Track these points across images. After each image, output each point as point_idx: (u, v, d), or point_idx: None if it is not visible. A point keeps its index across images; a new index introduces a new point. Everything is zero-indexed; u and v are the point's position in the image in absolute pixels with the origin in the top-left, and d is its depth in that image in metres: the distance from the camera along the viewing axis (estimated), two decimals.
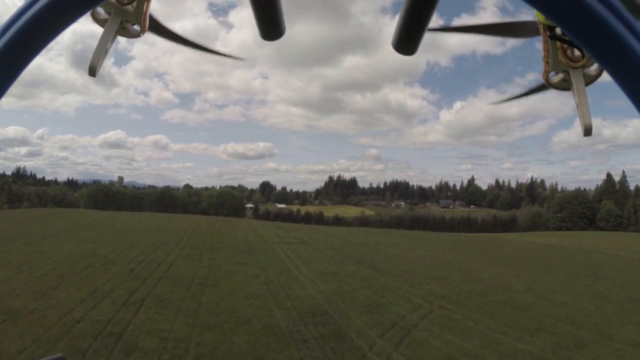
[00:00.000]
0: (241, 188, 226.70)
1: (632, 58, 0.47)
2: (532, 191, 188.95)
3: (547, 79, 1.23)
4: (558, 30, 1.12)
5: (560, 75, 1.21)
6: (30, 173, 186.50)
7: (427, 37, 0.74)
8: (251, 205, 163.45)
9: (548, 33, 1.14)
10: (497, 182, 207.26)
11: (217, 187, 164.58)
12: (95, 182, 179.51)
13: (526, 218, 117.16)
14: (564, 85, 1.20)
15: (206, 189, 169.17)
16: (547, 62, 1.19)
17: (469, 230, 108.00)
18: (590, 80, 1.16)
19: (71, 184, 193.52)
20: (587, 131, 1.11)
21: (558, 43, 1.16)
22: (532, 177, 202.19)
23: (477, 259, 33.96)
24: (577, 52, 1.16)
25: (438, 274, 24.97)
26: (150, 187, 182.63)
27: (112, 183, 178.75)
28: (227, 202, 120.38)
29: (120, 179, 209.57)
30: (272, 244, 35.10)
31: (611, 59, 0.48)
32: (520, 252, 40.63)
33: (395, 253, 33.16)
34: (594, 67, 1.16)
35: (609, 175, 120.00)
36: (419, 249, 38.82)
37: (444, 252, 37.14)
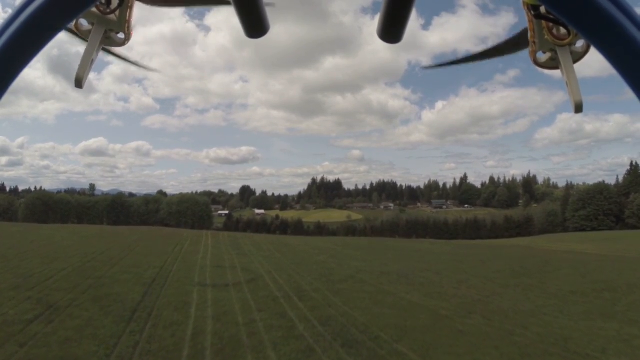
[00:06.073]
0: (222, 193, 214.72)
1: (617, 30, 0.46)
2: (530, 187, 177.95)
3: (534, 59, 1.20)
4: (542, 9, 1.10)
5: (548, 55, 1.18)
6: None
7: (406, 35, 0.73)
8: (225, 212, 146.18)
9: (532, 13, 1.11)
10: (491, 179, 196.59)
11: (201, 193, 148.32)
12: (68, 191, 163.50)
13: (541, 218, 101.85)
14: (552, 64, 1.18)
15: (181, 194, 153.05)
16: (534, 42, 1.16)
17: (478, 236, 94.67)
18: (578, 57, 1.14)
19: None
20: (578, 108, 1.09)
21: (543, 22, 1.13)
22: (529, 173, 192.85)
23: (546, 297, 19.60)
24: (562, 30, 1.13)
25: None
26: (130, 194, 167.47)
27: (83, 192, 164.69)
28: (189, 210, 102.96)
29: (92, 187, 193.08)
30: (195, 287, 20.10)
31: (597, 34, 0.47)
32: (586, 277, 26.55)
33: (412, 301, 18.55)
34: (580, 44, 1.14)
35: (634, 166, 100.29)
36: (445, 281, 24.29)
37: (485, 285, 22.76)
